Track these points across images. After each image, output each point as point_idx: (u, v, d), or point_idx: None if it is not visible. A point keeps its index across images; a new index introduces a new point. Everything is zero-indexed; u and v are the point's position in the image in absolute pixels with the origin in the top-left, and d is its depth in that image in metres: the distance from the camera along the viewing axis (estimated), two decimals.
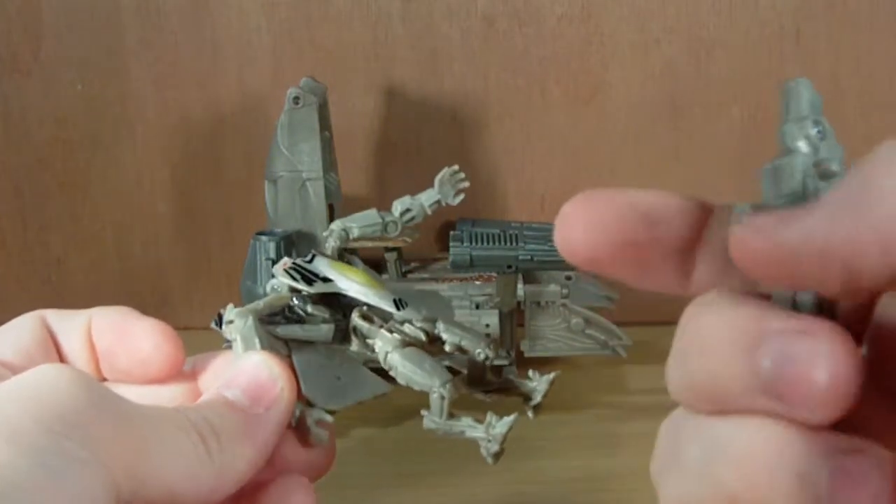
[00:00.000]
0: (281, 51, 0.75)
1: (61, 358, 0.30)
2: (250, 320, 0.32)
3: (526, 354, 0.62)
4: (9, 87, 0.76)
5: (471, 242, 0.62)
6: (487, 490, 0.52)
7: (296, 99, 0.61)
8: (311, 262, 0.36)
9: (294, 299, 0.35)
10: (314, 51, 0.74)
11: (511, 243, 0.58)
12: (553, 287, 0.62)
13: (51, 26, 0.75)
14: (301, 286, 0.34)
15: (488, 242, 0.61)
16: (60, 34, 0.75)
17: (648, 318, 0.74)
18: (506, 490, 0.52)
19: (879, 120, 0.75)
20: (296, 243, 0.61)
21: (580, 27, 0.74)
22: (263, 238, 0.60)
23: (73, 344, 0.30)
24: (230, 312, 0.32)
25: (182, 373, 0.31)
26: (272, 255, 0.59)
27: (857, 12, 0.73)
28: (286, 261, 0.37)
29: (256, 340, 0.31)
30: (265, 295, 0.59)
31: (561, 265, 0.58)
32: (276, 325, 0.34)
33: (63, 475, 0.21)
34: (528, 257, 0.58)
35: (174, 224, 0.78)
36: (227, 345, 0.33)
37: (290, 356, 0.32)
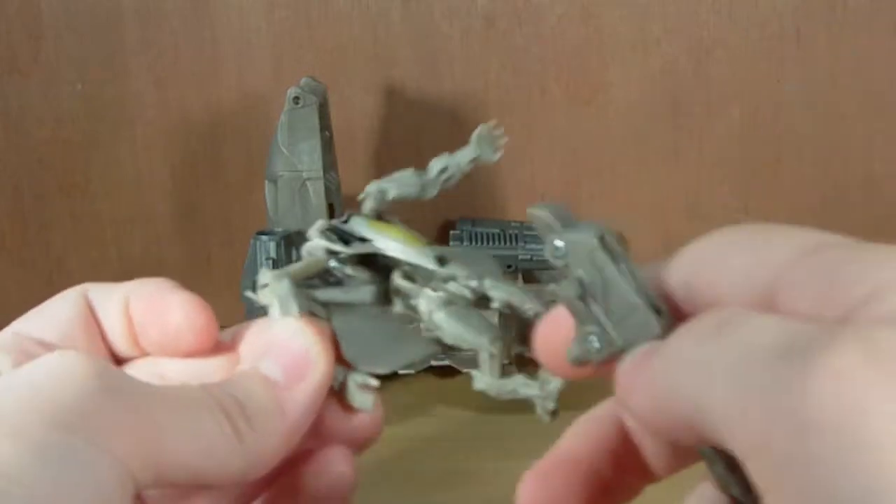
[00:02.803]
0: (281, 51, 0.75)
1: (101, 332, 0.29)
2: (287, 282, 0.29)
3: (526, 354, 0.62)
4: (8, 87, 0.76)
5: (471, 242, 0.62)
6: (486, 489, 0.52)
7: (296, 99, 0.61)
8: (346, 222, 0.34)
9: (332, 262, 0.33)
10: (314, 51, 0.74)
11: (511, 243, 0.58)
12: (553, 287, 0.62)
13: (51, 26, 0.75)
14: (338, 247, 0.32)
15: (488, 242, 0.61)
16: (60, 34, 0.75)
17: None
18: (505, 490, 0.52)
19: (879, 120, 0.75)
20: (296, 243, 0.61)
21: (580, 27, 0.74)
22: (263, 237, 0.60)
23: (111, 318, 0.29)
24: (264, 275, 0.30)
25: (222, 344, 0.30)
26: (272, 254, 0.58)
27: (857, 12, 0.73)
28: (321, 223, 0.35)
29: (294, 304, 0.29)
30: None
31: None
32: (314, 288, 0.32)
33: (70, 472, 0.21)
34: (528, 257, 0.58)
35: (174, 224, 0.78)
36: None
37: (329, 320, 0.31)
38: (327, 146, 0.64)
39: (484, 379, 0.33)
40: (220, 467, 0.24)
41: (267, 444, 0.25)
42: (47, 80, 0.76)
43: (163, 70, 0.75)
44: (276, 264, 0.58)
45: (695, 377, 0.19)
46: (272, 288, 0.29)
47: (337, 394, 0.28)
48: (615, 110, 0.75)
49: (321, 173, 0.62)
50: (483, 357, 0.33)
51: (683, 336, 0.20)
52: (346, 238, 0.33)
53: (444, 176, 0.43)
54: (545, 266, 0.59)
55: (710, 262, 0.22)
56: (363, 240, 0.33)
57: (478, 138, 0.43)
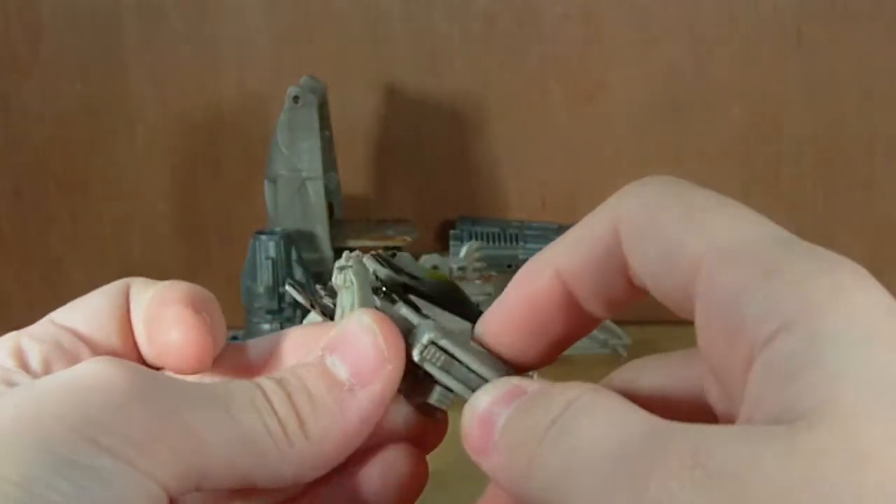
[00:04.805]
0: (281, 50, 0.74)
1: (132, 331, 0.27)
2: (368, 272, 0.28)
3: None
4: (8, 87, 0.76)
5: (471, 241, 0.62)
6: (480, 490, 0.51)
7: (295, 98, 0.61)
8: (393, 256, 0.33)
9: (384, 287, 0.32)
10: (314, 50, 0.74)
11: (511, 242, 0.58)
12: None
13: (50, 26, 0.75)
14: (388, 273, 0.32)
15: (488, 241, 0.61)
16: (60, 34, 0.75)
17: (648, 318, 0.74)
18: None
19: (880, 119, 0.75)
20: (295, 242, 0.61)
21: (580, 26, 0.73)
22: (263, 237, 0.60)
23: (137, 320, 0.27)
24: (346, 258, 0.29)
25: (238, 365, 0.27)
26: (272, 253, 0.58)
27: (858, 12, 0.73)
28: (358, 252, 0.34)
29: (372, 295, 0.27)
30: (264, 294, 0.59)
31: None
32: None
33: (95, 491, 0.20)
34: (528, 256, 0.58)
35: (174, 223, 0.78)
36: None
37: None
38: (327, 146, 0.64)
39: None
40: (268, 471, 0.23)
41: (321, 449, 0.23)
42: (47, 80, 0.76)
43: (162, 70, 0.75)
44: (275, 264, 0.58)
45: (543, 483, 0.19)
46: (357, 269, 0.28)
47: (406, 394, 0.26)
48: (615, 110, 0.75)
49: (321, 173, 0.62)
50: None
51: (520, 424, 0.21)
52: (396, 268, 0.32)
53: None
54: None
55: (636, 236, 0.22)
56: (412, 276, 0.32)
57: (466, 253, 0.42)
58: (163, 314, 0.26)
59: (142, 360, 0.27)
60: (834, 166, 0.76)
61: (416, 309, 0.30)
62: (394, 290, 0.30)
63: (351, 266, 0.28)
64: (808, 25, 0.73)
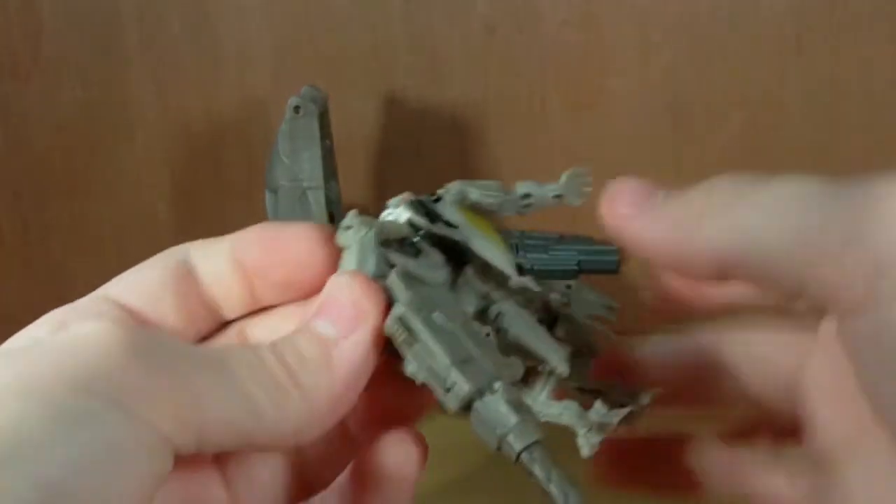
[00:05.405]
0: (281, 56, 0.74)
1: (198, 293, 0.27)
2: (372, 235, 0.28)
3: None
4: (8, 91, 0.76)
5: None
6: (485, 499, 0.52)
7: (296, 108, 0.61)
8: (436, 201, 0.32)
9: (415, 237, 0.31)
10: (314, 56, 0.74)
11: (511, 252, 0.58)
12: (553, 296, 0.62)
13: (50, 29, 0.75)
14: (423, 222, 0.31)
15: None
16: (60, 37, 0.75)
17: (648, 327, 0.75)
18: (503, 499, 0.52)
19: (881, 124, 0.75)
20: None
21: (581, 33, 0.73)
22: None
23: (217, 269, 0.27)
24: (351, 218, 0.28)
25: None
26: None
27: (858, 17, 0.73)
28: (408, 194, 0.33)
29: (372, 260, 0.27)
30: None
31: (561, 275, 0.58)
32: (388, 248, 0.29)
33: (88, 434, 0.20)
34: (529, 267, 0.58)
35: (175, 229, 0.78)
36: None
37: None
38: (328, 155, 0.64)
39: (531, 394, 0.30)
40: (268, 429, 0.24)
41: (316, 403, 0.25)
42: (47, 84, 0.76)
43: (163, 75, 0.75)
44: None
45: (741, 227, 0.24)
46: (357, 231, 0.28)
47: (391, 364, 0.27)
48: (616, 117, 0.75)
49: (322, 182, 0.62)
50: (544, 371, 0.30)
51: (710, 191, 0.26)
52: (431, 216, 0.31)
53: (525, 202, 0.40)
54: (546, 276, 0.59)
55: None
56: (448, 223, 0.31)
57: (567, 178, 0.42)
58: (282, 238, 0.27)
59: (211, 327, 0.28)
60: (833, 172, 0.75)
61: (462, 259, 0.30)
62: (427, 239, 0.30)
63: (353, 227, 0.28)
64: (807, 32, 0.73)
